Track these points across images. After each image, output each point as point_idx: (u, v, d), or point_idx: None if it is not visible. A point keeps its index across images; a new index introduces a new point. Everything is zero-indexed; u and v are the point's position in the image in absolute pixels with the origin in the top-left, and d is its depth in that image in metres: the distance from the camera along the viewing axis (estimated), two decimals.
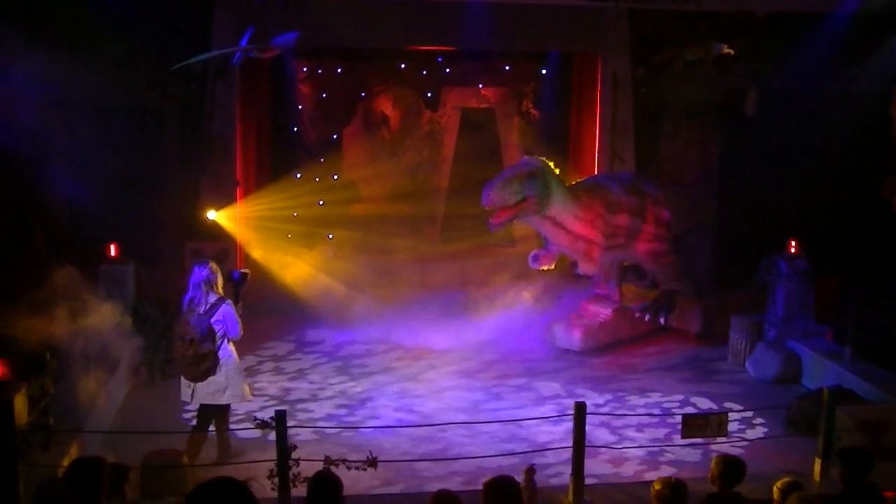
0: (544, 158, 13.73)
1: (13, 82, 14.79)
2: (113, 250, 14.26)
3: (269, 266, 16.44)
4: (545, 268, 14.37)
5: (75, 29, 15.37)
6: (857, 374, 12.78)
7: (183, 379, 10.68)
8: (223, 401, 10.71)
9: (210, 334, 10.40)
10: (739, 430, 11.70)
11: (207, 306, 10.47)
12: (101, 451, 10.08)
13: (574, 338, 15.10)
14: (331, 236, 16.54)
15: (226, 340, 10.58)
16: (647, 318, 15.44)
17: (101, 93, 15.56)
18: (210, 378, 10.49)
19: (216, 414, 10.84)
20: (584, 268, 14.36)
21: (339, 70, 19.50)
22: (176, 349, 10.67)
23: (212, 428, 10.86)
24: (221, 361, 10.52)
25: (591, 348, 15.12)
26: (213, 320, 10.44)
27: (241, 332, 10.66)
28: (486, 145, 19.75)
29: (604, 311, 15.60)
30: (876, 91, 17.90)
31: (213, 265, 10.81)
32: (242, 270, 11.68)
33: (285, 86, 18.74)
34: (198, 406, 10.84)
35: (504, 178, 13.13)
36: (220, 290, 10.69)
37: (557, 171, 13.72)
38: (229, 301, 10.67)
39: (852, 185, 18.25)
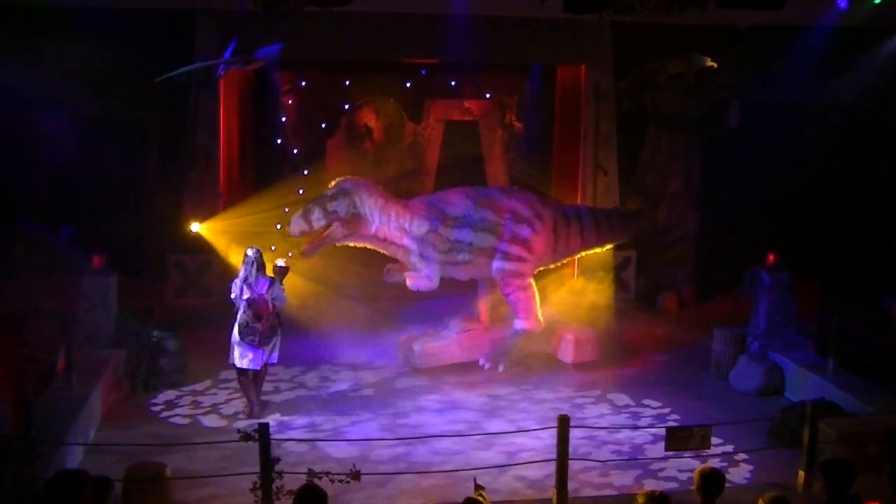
0: (358, 177, 13.99)
1: None
2: (96, 262, 14.19)
3: None
4: (395, 282, 14.35)
5: (58, 41, 15.37)
6: (840, 386, 12.81)
7: (243, 348, 12.41)
8: (273, 361, 12.83)
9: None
10: (722, 443, 11.71)
11: (264, 283, 12.47)
12: (83, 464, 10.08)
13: (415, 353, 14.67)
14: (278, 226, 16.39)
15: None
16: (486, 365, 14.73)
17: (83, 104, 15.55)
18: (272, 342, 12.60)
19: (263, 374, 12.80)
20: (418, 283, 14.09)
21: (323, 82, 19.48)
22: (252, 318, 12.39)
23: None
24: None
25: (429, 366, 14.65)
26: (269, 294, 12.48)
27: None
28: (470, 157, 19.74)
29: (446, 333, 14.93)
30: (857, 103, 18.00)
31: (260, 251, 12.70)
32: (284, 263, 12.99)
33: (268, 98, 18.72)
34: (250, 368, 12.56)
35: (307, 205, 13.43)
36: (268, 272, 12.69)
37: (379, 188, 14.00)
38: (276, 280, 12.69)
39: (834, 196, 18.36)
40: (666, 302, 18.75)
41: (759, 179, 18.05)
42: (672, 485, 10.46)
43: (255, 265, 12.49)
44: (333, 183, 13.89)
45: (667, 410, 13.34)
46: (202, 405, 13.27)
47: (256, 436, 8.76)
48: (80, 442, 10.94)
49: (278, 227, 16.14)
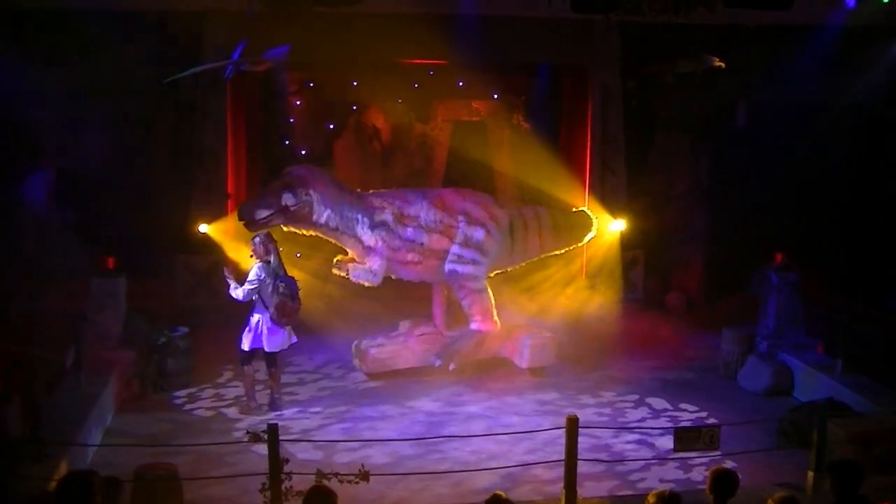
0: (312, 166, 13.75)
1: (6, 94, 14.83)
2: (109, 263, 14.22)
3: None
4: (344, 274, 13.88)
5: (67, 42, 15.41)
6: (849, 386, 12.80)
7: (273, 335, 12.82)
8: (294, 340, 13.23)
9: None
10: (731, 443, 11.70)
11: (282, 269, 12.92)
12: (93, 465, 10.11)
13: (368, 359, 14.44)
14: (298, 255, 16.37)
15: None
16: (436, 363, 14.29)
17: (93, 105, 15.58)
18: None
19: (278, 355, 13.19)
20: (360, 275, 13.67)
21: (331, 83, 19.50)
22: (290, 298, 12.82)
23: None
24: None
25: (382, 371, 14.47)
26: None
27: None
28: (478, 158, 19.74)
29: (400, 338, 14.75)
30: (865, 102, 17.97)
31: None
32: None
33: (277, 99, 18.74)
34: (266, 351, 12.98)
35: (261, 192, 13.29)
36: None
37: (331, 176, 13.85)
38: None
39: (842, 195, 18.33)
40: (674, 302, 18.74)
41: (768, 179, 18.04)
42: (681, 485, 10.46)
43: (273, 246, 12.92)
44: (286, 171, 13.59)
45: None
46: (224, 397, 13.53)
47: (265, 436, 8.77)
48: (89, 443, 10.98)
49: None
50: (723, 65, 16.93)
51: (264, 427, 8.86)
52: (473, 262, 13.91)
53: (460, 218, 13.88)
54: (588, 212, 15.29)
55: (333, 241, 13.71)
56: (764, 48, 17.32)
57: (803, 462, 10.49)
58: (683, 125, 18.94)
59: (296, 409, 13.19)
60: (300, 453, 10.89)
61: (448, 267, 13.87)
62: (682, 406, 13.53)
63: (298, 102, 19.41)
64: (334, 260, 14.03)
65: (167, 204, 17.06)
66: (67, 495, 6.55)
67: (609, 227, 17.06)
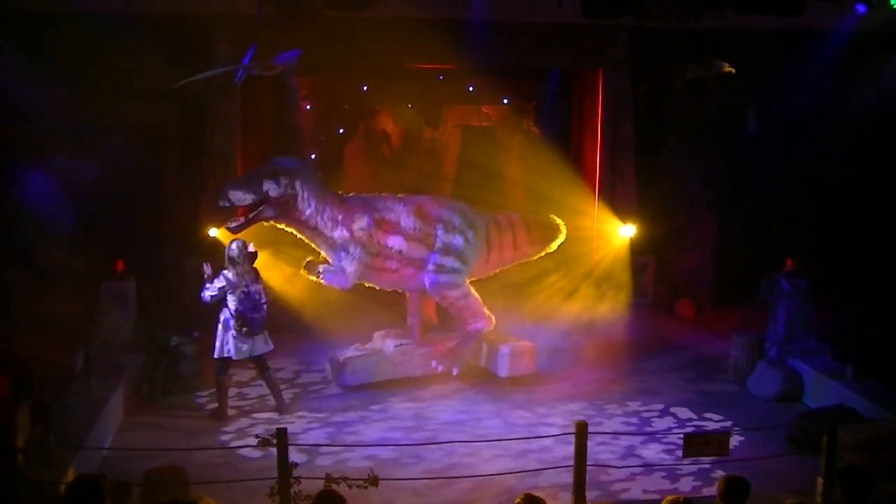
0: (299, 158, 13.27)
1: (16, 99, 14.86)
2: (119, 267, 14.24)
3: (270, 282, 16.38)
4: (314, 278, 13.53)
5: (77, 46, 15.44)
6: (859, 392, 12.76)
7: (240, 343, 12.72)
8: (270, 347, 13.05)
9: None
10: (741, 449, 11.67)
11: (254, 275, 12.86)
12: (102, 469, 10.11)
13: (345, 371, 14.05)
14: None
15: None
16: (438, 368, 14.17)
17: (103, 109, 15.60)
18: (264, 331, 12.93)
19: (264, 359, 13.05)
20: (333, 279, 13.33)
21: (340, 88, 19.53)
22: (251, 310, 12.70)
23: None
24: None
25: (360, 384, 14.05)
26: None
27: None
28: (488, 162, 19.75)
29: (377, 349, 14.37)
30: (875, 108, 17.93)
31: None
32: (252, 248, 13.12)
33: (287, 103, 18.77)
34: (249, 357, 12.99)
35: (245, 176, 12.78)
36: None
37: (317, 174, 13.52)
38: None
39: (852, 201, 18.29)
40: (683, 307, 18.72)
41: (777, 185, 18.02)
42: (693, 491, 10.43)
43: (246, 259, 12.76)
44: (270, 159, 13.35)
45: (683, 415, 13.32)
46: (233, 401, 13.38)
47: (274, 441, 8.76)
48: (98, 446, 10.99)
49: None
50: (733, 70, 16.93)
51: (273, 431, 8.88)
52: (454, 270, 13.73)
53: (438, 226, 13.67)
54: (557, 218, 15.04)
55: (307, 240, 13.41)
56: (774, 54, 17.31)
57: (813, 468, 10.45)
58: (693, 130, 18.92)
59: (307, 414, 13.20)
60: (309, 457, 10.91)
61: (430, 278, 13.68)
62: (707, 415, 13.41)
63: (308, 107, 19.44)
64: (305, 262, 13.74)
65: (177, 207, 17.09)
66: (76, 499, 6.56)
67: (619, 233, 17.06)
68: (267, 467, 9.10)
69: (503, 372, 14.34)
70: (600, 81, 18.00)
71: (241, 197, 12.59)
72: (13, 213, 15.49)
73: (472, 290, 14.09)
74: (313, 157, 19.30)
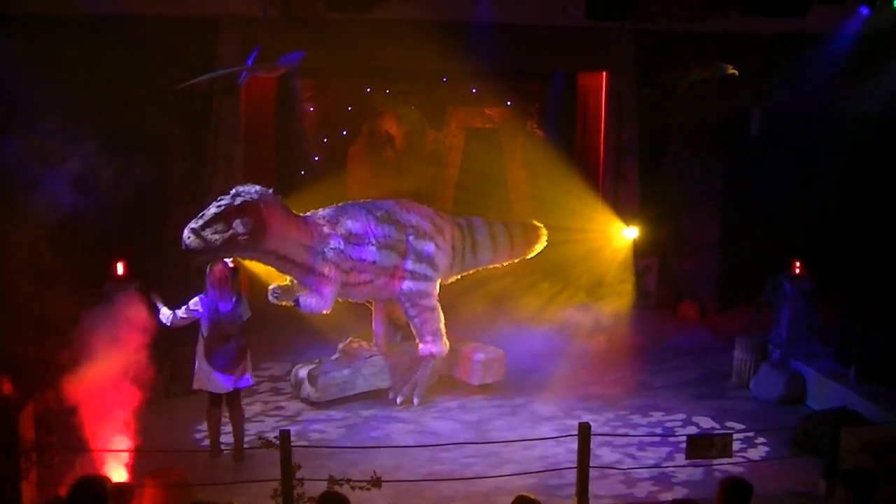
0: (260, 187, 12.36)
1: (17, 101, 14.87)
2: (120, 268, 14.21)
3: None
4: (288, 304, 12.93)
5: (80, 48, 15.44)
6: (862, 395, 12.74)
7: (218, 375, 11.49)
8: (249, 383, 11.99)
9: None
10: (743, 451, 11.67)
11: (231, 299, 11.61)
12: (105, 470, 10.11)
13: (309, 386, 13.58)
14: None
15: None
16: (398, 399, 13.73)
17: (105, 111, 15.61)
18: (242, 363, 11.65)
19: (237, 394, 11.77)
20: (310, 304, 12.66)
21: (344, 89, 19.54)
22: (217, 341, 11.49)
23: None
24: None
25: (328, 399, 13.60)
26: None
27: None
28: (491, 165, 19.76)
29: (344, 363, 13.91)
30: (879, 111, 17.93)
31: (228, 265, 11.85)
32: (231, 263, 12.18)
33: (290, 105, 18.77)
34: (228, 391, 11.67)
35: (206, 217, 11.83)
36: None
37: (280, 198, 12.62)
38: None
39: (856, 204, 18.28)
40: (687, 310, 18.70)
41: (781, 188, 18.01)
42: (694, 493, 10.42)
43: (227, 281, 11.69)
44: (233, 191, 12.30)
45: (685, 417, 13.31)
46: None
47: (277, 443, 8.77)
48: (102, 448, 10.98)
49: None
50: (737, 73, 16.93)
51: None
52: (426, 277, 13.48)
53: (409, 231, 13.40)
54: (539, 224, 14.88)
55: (275, 269, 12.83)
56: (778, 56, 17.32)
57: (816, 471, 10.46)
58: (697, 133, 18.90)
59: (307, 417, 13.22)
60: (311, 459, 10.90)
61: (404, 285, 13.38)
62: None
63: (312, 109, 19.46)
64: (270, 289, 13.11)
65: (181, 210, 17.08)
66: (79, 501, 6.55)
67: (622, 235, 17.05)
68: (271, 469, 9.13)
69: (476, 380, 14.17)
70: (604, 84, 18.02)
71: (211, 238, 11.69)
72: (14, 213, 15.49)
73: (439, 307, 13.74)
74: (317, 158, 19.30)
